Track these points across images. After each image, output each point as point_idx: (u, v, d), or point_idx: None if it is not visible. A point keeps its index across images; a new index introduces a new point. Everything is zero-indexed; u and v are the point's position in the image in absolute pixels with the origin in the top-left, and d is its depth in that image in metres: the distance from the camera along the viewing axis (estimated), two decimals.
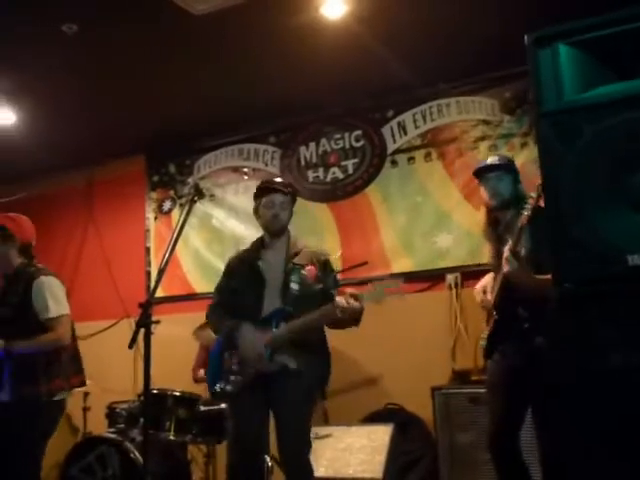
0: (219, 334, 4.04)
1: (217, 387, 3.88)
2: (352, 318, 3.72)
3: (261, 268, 3.94)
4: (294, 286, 3.85)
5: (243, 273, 4.00)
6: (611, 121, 2.00)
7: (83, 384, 4.34)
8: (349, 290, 3.75)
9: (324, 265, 3.97)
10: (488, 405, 3.88)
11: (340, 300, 3.63)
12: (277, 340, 3.73)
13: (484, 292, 3.83)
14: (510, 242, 3.46)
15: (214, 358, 4.01)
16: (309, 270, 3.89)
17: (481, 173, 3.81)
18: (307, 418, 3.79)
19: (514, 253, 3.47)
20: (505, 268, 3.49)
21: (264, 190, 4.02)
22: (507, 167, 3.83)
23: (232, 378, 3.83)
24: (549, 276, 3.24)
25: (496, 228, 3.79)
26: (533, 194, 3.41)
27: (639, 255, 1.94)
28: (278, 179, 4.52)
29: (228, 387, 3.83)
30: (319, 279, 3.89)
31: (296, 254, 3.95)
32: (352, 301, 3.63)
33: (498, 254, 3.69)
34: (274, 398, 3.76)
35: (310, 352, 3.79)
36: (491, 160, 3.87)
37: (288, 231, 4.06)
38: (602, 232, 2.00)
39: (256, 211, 4.07)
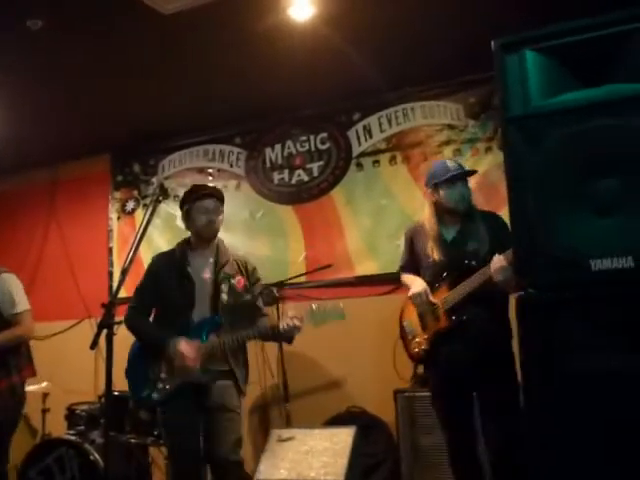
0: (144, 342, 3.98)
1: (143, 395, 3.87)
2: (290, 336, 3.85)
3: (191, 275, 3.93)
4: (224, 296, 3.88)
5: (171, 277, 3.96)
6: (577, 127, 2.03)
7: (34, 374, 4.42)
8: (290, 312, 3.82)
9: (252, 274, 4.04)
10: (439, 413, 3.91)
11: (282, 323, 3.75)
12: (208, 355, 3.79)
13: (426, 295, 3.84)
14: (507, 252, 3.46)
15: (135, 364, 3.96)
16: (238, 281, 3.94)
17: (452, 179, 3.84)
18: (240, 419, 3.92)
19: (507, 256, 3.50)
20: (498, 277, 3.49)
21: (196, 195, 3.99)
22: (468, 173, 3.97)
23: (160, 386, 3.83)
24: None
25: (441, 230, 3.88)
26: None
27: (603, 260, 1.97)
28: (209, 184, 4.48)
29: (155, 395, 3.83)
30: (247, 290, 3.97)
31: (226, 262, 3.97)
32: (295, 322, 3.74)
33: (445, 255, 3.78)
34: (208, 401, 3.81)
35: (238, 356, 3.93)
36: (455, 166, 3.91)
37: (218, 237, 4.07)
38: (566, 237, 2.02)
39: (186, 216, 4.03)
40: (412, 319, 3.92)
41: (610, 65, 2.04)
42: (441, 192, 3.85)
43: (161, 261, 4.09)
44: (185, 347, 3.75)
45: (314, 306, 3.80)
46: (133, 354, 4.02)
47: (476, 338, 3.63)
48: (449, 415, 3.83)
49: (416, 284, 3.89)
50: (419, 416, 4.70)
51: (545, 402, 2.02)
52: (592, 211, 2.00)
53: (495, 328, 3.66)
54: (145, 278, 4.10)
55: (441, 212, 3.89)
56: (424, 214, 4.00)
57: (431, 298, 3.78)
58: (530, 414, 2.07)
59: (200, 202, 3.95)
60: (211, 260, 3.98)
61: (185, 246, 4.06)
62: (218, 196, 4.02)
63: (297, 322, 3.74)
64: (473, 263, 3.68)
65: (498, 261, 3.50)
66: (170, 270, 3.98)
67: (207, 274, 3.95)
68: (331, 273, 5.62)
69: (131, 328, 3.99)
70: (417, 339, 3.84)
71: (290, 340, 3.92)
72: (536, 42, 2.15)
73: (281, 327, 3.76)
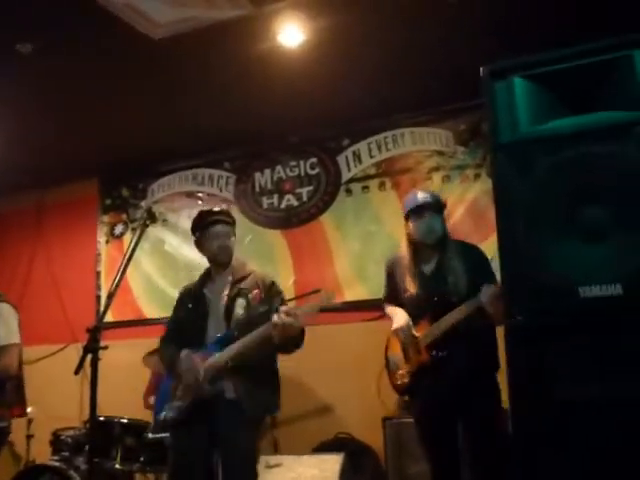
0: (166, 368, 3.98)
1: (160, 416, 3.83)
2: (289, 336, 3.61)
3: (207, 297, 3.92)
4: (239, 310, 3.81)
5: (189, 303, 3.97)
6: (565, 154, 2.03)
7: (24, 415, 4.28)
8: (283, 308, 3.66)
9: (270, 287, 3.91)
10: (422, 444, 3.88)
11: (274, 318, 3.54)
12: (215, 363, 3.67)
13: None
14: (497, 283, 3.42)
15: (164, 391, 3.94)
16: (255, 294, 3.85)
17: (418, 210, 3.79)
18: (249, 451, 3.71)
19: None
20: (491, 308, 3.42)
21: (206, 222, 3.97)
22: (439, 205, 3.85)
23: (175, 404, 3.78)
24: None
25: (418, 263, 3.81)
26: None
27: (591, 288, 1.96)
28: (217, 208, 4.41)
29: (170, 414, 3.78)
30: (263, 301, 3.84)
31: (242, 278, 3.91)
32: (284, 317, 3.53)
33: (424, 288, 3.73)
34: (215, 432, 3.69)
35: (253, 381, 3.70)
36: (423, 197, 3.83)
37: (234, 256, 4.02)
38: (555, 264, 2.01)
39: (199, 244, 4.02)
40: (396, 351, 3.87)
41: (598, 92, 2.05)
42: (410, 224, 3.81)
43: (184, 290, 4.12)
44: (192, 361, 3.72)
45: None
46: (164, 384, 4.00)
47: (457, 373, 3.57)
48: (431, 447, 3.79)
49: (398, 318, 3.83)
50: (407, 443, 4.65)
51: (533, 429, 2.00)
52: (581, 238, 2.00)
53: (477, 363, 3.60)
54: (173, 311, 4.13)
55: (415, 244, 3.83)
56: (402, 246, 3.95)
57: (413, 331, 3.75)
58: (517, 441, 2.05)
59: (211, 228, 3.93)
60: (230, 279, 3.93)
61: (205, 275, 4.07)
62: (227, 220, 4.00)
63: (285, 317, 3.59)
64: (454, 299, 3.63)
65: (491, 291, 3.44)
66: (189, 297, 4.01)
67: (225, 292, 3.89)
68: (320, 298, 5.59)
69: (161, 359, 4.06)
70: (400, 371, 3.81)
71: (296, 342, 3.75)
72: (524, 69, 2.16)
73: (274, 320, 3.60)
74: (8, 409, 4.08)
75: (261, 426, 3.94)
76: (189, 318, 3.93)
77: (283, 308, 3.60)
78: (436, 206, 3.81)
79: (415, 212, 3.78)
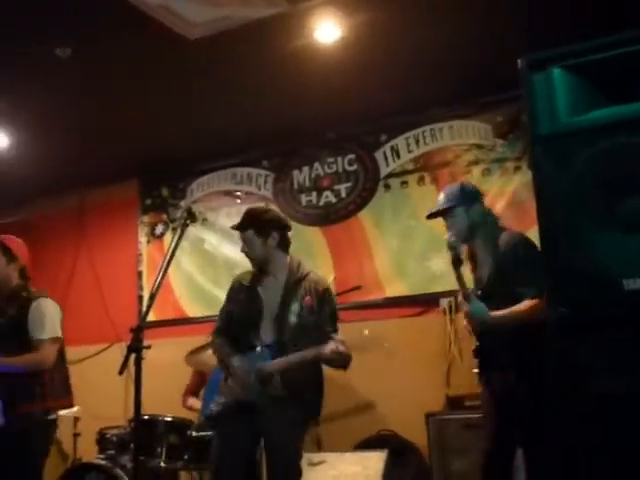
0: (217, 358, 4.01)
1: (207, 411, 3.90)
2: (341, 363, 3.69)
3: (260, 295, 3.91)
4: (292, 318, 3.80)
5: (242, 298, 3.96)
6: (605, 144, 2.00)
7: (71, 406, 4.35)
8: (339, 337, 3.68)
9: (322, 296, 3.89)
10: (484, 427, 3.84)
11: (331, 345, 3.59)
12: (267, 374, 3.70)
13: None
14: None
15: (214, 385, 4.00)
16: (307, 301, 3.84)
17: (430, 217, 3.89)
18: (295, 449, 3.74)
19: (466, 296, 3.48)
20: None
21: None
22: (451, 207, 3.76)
23: (219, 400, 3.82)
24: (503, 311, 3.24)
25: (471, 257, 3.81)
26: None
27: (635, 279, 1.93)
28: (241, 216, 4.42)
29: (214, 408, 3.84)
30: (314, 310, 3.83)
31: (297, 281, 3.90)
32: (341, 347, 3.58)
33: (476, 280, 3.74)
34: (261, 430, 3.73)
35: (299, 379, 3.73)
36: (437, 203, 3.82)
37: (285, 257, 3.99)
38: (597, 256, 1.98)
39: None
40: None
41: (637, 81, 2.01)
42: None
43: (237, 282, 4.08)
44: (245, 365, 3.74)
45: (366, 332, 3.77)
46: (213, 377, 4.08)
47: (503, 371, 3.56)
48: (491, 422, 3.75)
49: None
50: (451, 439, 4.62)
51: (571, 422, 1.98)
52: (623, 230, 1.96)
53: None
54: (225, 300, 4.11)
55: None
56: None
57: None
58: (557, 436, 2.03)
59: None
60: (283, 281, 3.92)
61: (259, 271, 4.04)
62: (241, 227, 3.98)
63: (341, 347, 3.64)
64: (478, 292, 3.63)
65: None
66: (242, 291, 3.99)
67: (277, 294, 3.88)
68: (360, 295, 5.58)
69: (214, 352, 4.08)
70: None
71: (345, 367, 3.76)
72: (563, 59, 2.12)
73: (324, 352, 3.67)
74: (57, 401, 4.16)
75: (306, 427, 3.93)
76: (242, 314, 3.92)
77: (332, 345, 3.60)
78: (451, 208, 3.75)
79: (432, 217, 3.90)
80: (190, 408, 5.27)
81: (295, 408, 3.69)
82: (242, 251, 3.97)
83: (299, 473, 3.72)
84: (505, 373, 3.50)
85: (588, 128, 2.05)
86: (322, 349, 3.61)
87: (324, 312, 3.85)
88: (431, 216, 3.89)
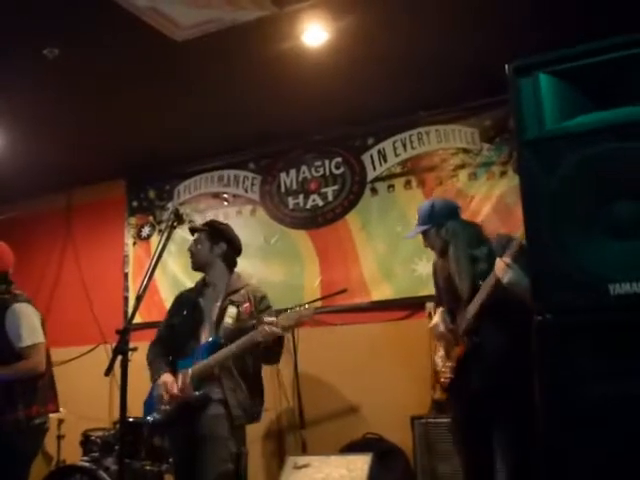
0: (149, 370, 4.20)
1: (149, 418, 4.03)
2: (273, 345, 3.86)
3: (201, 305, 4.16)
4: (228, 320, 4.02)
5: (184, 311, 4.20)
6: (591, 150, 2.01)
7: (57, 410, 4.35)
8: (267, 319, 3.85)
9: (260, 301, 4.13)
10: (458, 447, 3.85)
11: (260, 326, 3.80)
12: (202, 368, 3.89)
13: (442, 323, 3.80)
14: (509, 252, 3.34)
15: (153, 395, 4.11)
16: (245, 307, 4.07)
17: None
18: (226, 449, 3.83)
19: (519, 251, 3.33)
20: (504, 278, 3.32)
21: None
22: (425, 229, 3.87)
23: (162, 407, 3.95)
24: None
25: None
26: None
27: (621, 284, 1.94)
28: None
29: (156, 416, 3.97)
30: (253, 315, 4.04)
31: (235, 291, 4.13)
32: (269, 327, 3.78)
33: (449, 290, 3.73)
34: (195, 431, 3.85)
35: (239, 386, 3.94)
36: (419, 217, 3.95)
37: (228, 269, 4.25)
38: (584, 261, 1.99)
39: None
40: (438, 352, 3.87)
41: (624, 87, 2.02)
42: None
43: (179, 297, 4.40)
44: (167, 381, 3.96)
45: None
46: (153, 389, 4.15)
47: (491, 367, 3.54)
48: (465, 446, 3.77)
49: (434, 318, 3.90)
50: (437, 442, 4.64)
51: (563, 430, 1.99)
52: (610, 234, 1.97)
53: (511, 354, 3.53)
54: (167, 314, 4.39)
55: None
56: None
57: (449, 325, 3.74)
58: (547, 441, 2.03)
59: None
60: (222, 290, 4.17)
61: (201, 280, 4.32)
62: (197, 229, 4.40)
63: (269, 326, 3.76)
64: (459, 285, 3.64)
65: (501, 261, 3.35)
66: (184, 304, 4.26)
67: (217, 303, 4.12)
68: (346, 298, 5.58)
69: (147, 361, 4.25)
70: (442, 368, 3.79)
71: (275, 353, 3.98)
72: (550, 65, 2.13)
73: (255, 336, 3.81)
74: (44, 406, 4.14)
75: (243, 431, 4.04)
76: (183, 325, 4.15)
77: (267, 319, 3.83)
78: (425, 230, 3.88)
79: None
80: None
81: (234, 408, 3.88)
82: (189, 249, 4.29)
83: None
84: (491, 368, 3.51)
85: (574, 133, 2.06)
86: (254, 334, 3.81)
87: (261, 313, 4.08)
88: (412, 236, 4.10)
